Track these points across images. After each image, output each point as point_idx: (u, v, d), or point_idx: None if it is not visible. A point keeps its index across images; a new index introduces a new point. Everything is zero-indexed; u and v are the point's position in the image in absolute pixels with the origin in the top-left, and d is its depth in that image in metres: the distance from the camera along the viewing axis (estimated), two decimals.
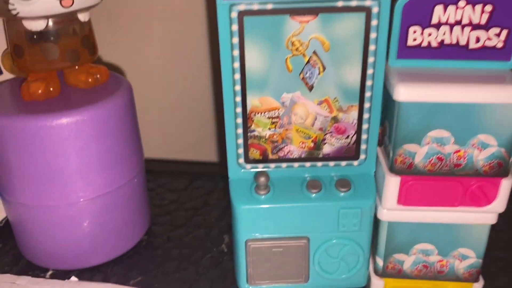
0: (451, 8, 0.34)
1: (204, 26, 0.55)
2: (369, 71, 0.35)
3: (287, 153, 0.37)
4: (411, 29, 0.34)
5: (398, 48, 0.35)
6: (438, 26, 0.34)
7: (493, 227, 0.37)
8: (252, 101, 0.35)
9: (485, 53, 0.35)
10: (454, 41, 0.34)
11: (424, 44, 0.35)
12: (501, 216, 0.37)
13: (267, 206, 0.36)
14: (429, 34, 0.34)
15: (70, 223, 0.41)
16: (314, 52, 0.34)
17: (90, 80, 0.42)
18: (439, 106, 0.33)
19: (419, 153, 0.35)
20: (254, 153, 0.37)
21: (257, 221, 0.37)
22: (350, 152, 0.37)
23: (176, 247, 0.46)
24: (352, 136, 0.37)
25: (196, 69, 0.57)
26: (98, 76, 0.43)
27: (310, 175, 0.38)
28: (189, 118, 0.59)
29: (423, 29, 0.34)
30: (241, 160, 0.38)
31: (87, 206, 0.41)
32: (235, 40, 0.33)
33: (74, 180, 0.39)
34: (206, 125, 0.60)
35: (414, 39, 0.35)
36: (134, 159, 0.44)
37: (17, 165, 0.39)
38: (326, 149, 0.37)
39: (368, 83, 0.35)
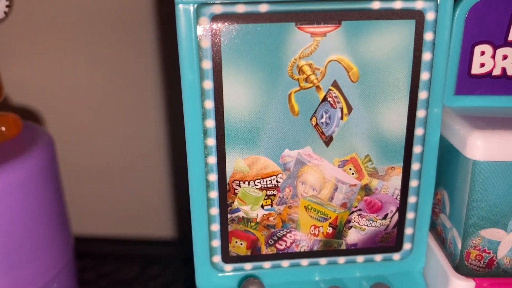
0: None
1: (153, 41, 0.48)
2: (420, 113, 0.27)
3: (291, 244, 0.30)
4: (478, 49, 0.28)
5: (458, 79, 0.28)
6: None
7: None
8: (235, 163, 0.28)
9: None
10: None
11: (497, 72, 0.28)
12: None
13: None
14: (505, 57, 0.28)
15: None
16: (335, 84, 0.27)
17: None
18: None
19: (505, 243, 0.27)
20: (238, 246, 0.30)
21: None
22: (389, 241, 0.30)
23: None
24: (393, 216, 0.29)
25: (145, 110, 0.51)
26: (3, 128, 0.36)
27: (327, 278, 0.30)
28: (136, 179, 0.52)
29: (495, 49, 0.28)
30: (217, 258, 0.29)
31: None
32: (207, 64, 0.25)
33: None
34: (161, 188, 0.52)
35: (482, 65, 0.29)
36: (57, 249, 0.37)
37: None
38: (352, 236, 0.30)
39: (418, 132, 0.28)
